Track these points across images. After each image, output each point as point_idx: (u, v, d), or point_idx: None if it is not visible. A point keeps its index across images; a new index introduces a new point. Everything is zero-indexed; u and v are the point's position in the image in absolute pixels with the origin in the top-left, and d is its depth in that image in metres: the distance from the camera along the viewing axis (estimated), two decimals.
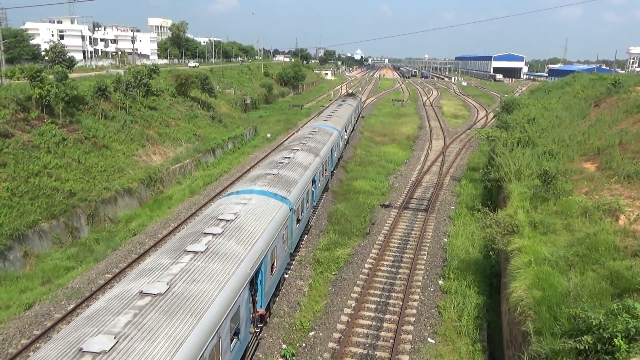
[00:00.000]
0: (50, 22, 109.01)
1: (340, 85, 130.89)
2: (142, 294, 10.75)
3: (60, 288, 20.06)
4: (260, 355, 15.95)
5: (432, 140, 54.28)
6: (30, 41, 76.20)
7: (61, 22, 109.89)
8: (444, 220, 28.47)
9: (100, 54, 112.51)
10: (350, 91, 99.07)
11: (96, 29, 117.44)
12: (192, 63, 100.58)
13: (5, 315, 17.87)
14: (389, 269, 22.06)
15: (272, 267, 16.74)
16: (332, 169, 34.73)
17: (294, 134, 51.18)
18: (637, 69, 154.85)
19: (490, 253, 20.32)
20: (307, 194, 23.69)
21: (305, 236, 25.37)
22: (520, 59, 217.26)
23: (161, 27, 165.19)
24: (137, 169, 33.19)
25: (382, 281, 20.87)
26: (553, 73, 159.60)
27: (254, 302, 15.31)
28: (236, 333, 12.92)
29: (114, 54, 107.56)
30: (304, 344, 16.61)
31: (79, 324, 9.89)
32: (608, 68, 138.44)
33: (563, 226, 17.20)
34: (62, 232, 24.58)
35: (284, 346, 16.44)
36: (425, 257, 23.29)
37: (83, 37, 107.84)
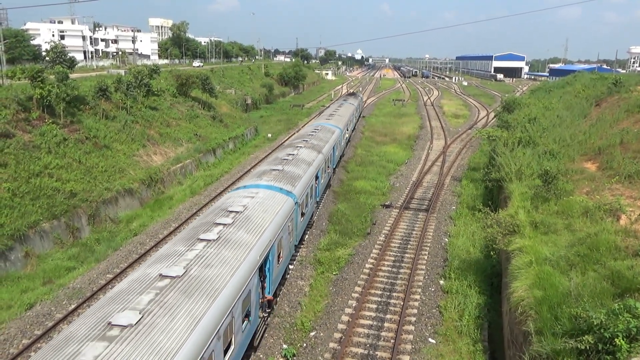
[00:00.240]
0: (51, 22, 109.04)
1: (340, 85, 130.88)
2: (162, 276, 11.70)
3: (61, 288, 20.07)
4: (261, 356, 15.96)
5: (433, 140, 54.26)
6: (31, 41, 76.19)
7: (62, 22, 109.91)
8: (445, 220, 28.47)
9: (101, 54, 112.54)
10: (351, 91, 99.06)
11: (97, 29, 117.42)
12: (196, 63, 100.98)
13: (6, 315, 17.90)
14: (389, 269, 22.06)
15: (278, 257, 17.65)
16: (334, 167, 35.34)
17: (294, 133, 51.21)
18: (638, 69, 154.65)
19: (491, 253, 20.31)
20: (311, 189, 24.49)
21: (309, 230, 25.87)
22: (521, 58, 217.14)
23: (162, 27, 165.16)
24: (138, 169, 33.21)
25: (383, 281, 20.87)
26: (554, 73, 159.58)
27: (263, 288, 16.14)
28: (247, 315, 13.90)
29: (115, 54, 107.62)
30: (304, 344, 16.61)
31: (105, 302, 10.77)
32: (609, 67, 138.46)
33: (564, 226, 17.19)
34: (63, 232, 24.60)
35: (285, 346, 16.44)
36: (426, 257, 23.28)
37: (84, 37, 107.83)
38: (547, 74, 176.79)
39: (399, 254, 23.60)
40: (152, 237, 25.54)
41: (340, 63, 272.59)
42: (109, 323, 9.62)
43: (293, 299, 19.44)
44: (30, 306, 18.64)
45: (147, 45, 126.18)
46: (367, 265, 22.29)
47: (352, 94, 72.47)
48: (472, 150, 48.51)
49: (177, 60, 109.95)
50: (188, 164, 38.73)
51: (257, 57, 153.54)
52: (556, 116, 36.07)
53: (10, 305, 18.60)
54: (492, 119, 67.08)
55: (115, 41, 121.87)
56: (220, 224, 15.44)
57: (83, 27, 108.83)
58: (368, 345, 16.44)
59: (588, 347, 9.89)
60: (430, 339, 16.89)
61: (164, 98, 47.00)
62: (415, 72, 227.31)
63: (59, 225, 24.45)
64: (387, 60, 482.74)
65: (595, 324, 9.97)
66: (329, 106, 64.54)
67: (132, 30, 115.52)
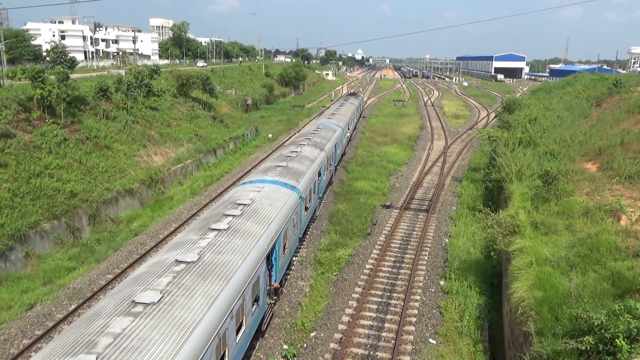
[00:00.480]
0: (51, 22, 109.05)
1: (341, 86, 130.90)
2: (178, 261, 12.66)
3: (61, 288, 20.08)
4: (262, 356, 15.96)
5: (434, 140, 54.26)
6: (31, 41, 76.23)
7: (62, 23, 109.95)
8: (445, 220, 28.46)
9: (101, 54, 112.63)
10: (351, 91, 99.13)
11: (97, 29, 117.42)
12: (200, 63, 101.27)
13: (6, 315, 17.90)
14: (390, 269, 22.06)
15: (284, 247, 18.58)
16: (335, 165, 36.10)
17: (295, 134, 51.27)
18: (639, 69, 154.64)
19: (492, 253, 20.33)
20: (314, 185, 25.37)
21: (312, 224, 26.58)
22: (522, 59, 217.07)
23: (162, 27, 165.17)
24: (139, 170, 33.22)
25: (383, 282, 20.86)
26: (554, 73, 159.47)
27: (270, 276, 16.98)
28: (256, 300, 14.84)
29: (115, 54, 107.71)
30: (305, 345, 16.61)
31: (127, 284, 11.81)
32: (609, 68, 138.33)
33: (564, 227, 17.18)
34: (64, 232, 24.61)
35: (285, 347, 16.44)
36: (426, 258, 23.28)
37: (84, 38, 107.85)
38: (548, 75, 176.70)
39: (399, 255, 23.60)
40: (152, 237, 25.54)
41: (340, 63, 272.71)
42: (133, 301, 10.53)
43: (293, 300, 19.44)
44: (30, 306, 18.64)
45: (148, 45, 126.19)
46: (368, 266, 22.29)
47: (353, 94, 73.26)
48: (473, 151, 48.51)
49: (177, 61, 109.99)
50: (188, 164, 38.74)
51: (257, 57, 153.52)
52: (556, 117, 36.06)
53: (10, 305, 18.60)
54: (493, 119, 67.10)
55: (116, 41, 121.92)
56: (229, 215, 16.37)
57: (84, 27, 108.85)
58: (368, 346, 16.43)
59: (589, 348, 9.88)
60: (430, 340, 16.88)
61: (165, 98, 47.03)
62: (416, 72, 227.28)
63: (59, 226, 24.46)
64: (387, 60, 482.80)
65: (595, 324, 9.96)
66: (329, 106, 64.70)
67: (132, 31, 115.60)
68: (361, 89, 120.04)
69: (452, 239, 25.09)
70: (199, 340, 10.11)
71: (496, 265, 20.89)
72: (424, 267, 22.27)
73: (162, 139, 39.65)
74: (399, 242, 25.20)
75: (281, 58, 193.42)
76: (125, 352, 8.87)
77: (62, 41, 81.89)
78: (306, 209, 23.30)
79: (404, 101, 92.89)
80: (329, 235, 25.73)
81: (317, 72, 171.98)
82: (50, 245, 23.64)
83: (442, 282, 20.81)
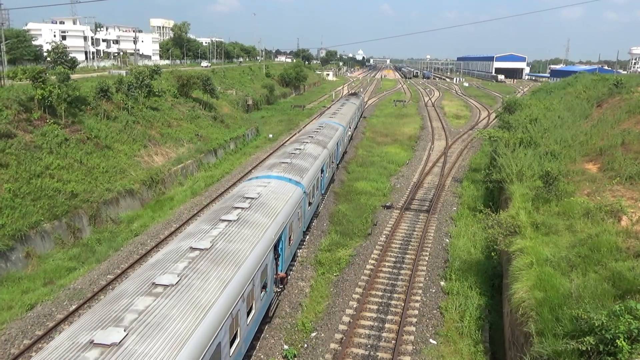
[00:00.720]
0: (52, 22, 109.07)
1: (341, 86, 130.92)
2: (192, 248, 13.56)
3: (62, 289, 20.09)
4: (262, 356, 15.96)
5: (434, 140, 54.24)
6: (32, 42, 76.29)
7: (63, 23, 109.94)
8: (446, 221, 28.45)
9: (102, 54, 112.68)
10: (352, 91, 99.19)
11: (98, 29, 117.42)
12: (204, 63, 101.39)
13: (7, 315, 17.91)
14: (390, 269, 22.05)
15: (290, 239, 19.54)
16: (337, 162, 36.93)
17: (295, 134, 51.31)
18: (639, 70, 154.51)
19: (492, 254, 20.30)
20: (317, 181, 26.21)
21: (315, 219, 27.31)
22: (522, 59, 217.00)
23: (163, 27, 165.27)
24: (139, 170, 33.24)
25: (383, 282, 20.86)
26: (555, 73, 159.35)
27: (277, 265, 17.95)
28: (264, 286, 15.74)
29: (116, 54, 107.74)
30: (305, 345, 16.61)
31: (146, 268, 12.74)
32: (610, 68, 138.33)
33: (565, 227, 17.17)
34: (64, 232, 24.62)
35: (286, 347, 16.44)
36: (426, 258, 23.27)
37: (85, 38, 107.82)
38: (548, 75, 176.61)
39: (399, 255, 23.59)
40: (153, 237, 25.55)
41: (341, 64, 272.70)
42: (153, 283, 11.44)
43: (294, 300, 19.43)
44: (31, 307, 18.65)
45: (149, 45, 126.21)
46: (368, 266, 22.28)
47: (354, 94, 74.33)
48: (473, 151, 48.49)
49: (178, 61, 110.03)
50: (189, 164, 38.75)
51: (258, 57, 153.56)
52: (557, 117, 36.03)
53: (11, 305, 18.61)
54: (493, 119, 67.06)
55: (117, 42, 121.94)
56: (238, 207, 17.30)
57: (84, 28, 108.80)
58: (369, 346, 16.43)
59: (589, 348, 9.88)
60: (431, 340, 16.88)
61: (165, 99, 47.07)
62: (416, 73, 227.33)
63: (60, 226, 24.47)
64: (388, 60, 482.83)
65: (596, 325, 9.96)
66: (330, 107, 64.93)
67: (133, 31, 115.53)
68: (362, 90, 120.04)
69: (453, 239, 25.08)
70: (214, 318, 11.02)
71: (497, 265, 20.88)
72: (424, 268, 22.25)
73: (162, 139, 39.67)
74: (400, 242, 25.19)
75: (282, 58, 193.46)
76: (149, 326, 9.77)
77: (63, 41, 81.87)
78: (310, 203, 24.11)
79: (405, 101, 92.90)
80: (330, 235, 25.73)
81: (318, 72, 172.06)
82: (50, 246, 23.66)
83: (442, 283, 20.80)
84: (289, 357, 15.82)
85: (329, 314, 18.51)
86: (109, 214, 27.87)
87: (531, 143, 29.57)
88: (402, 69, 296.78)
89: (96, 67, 71.98)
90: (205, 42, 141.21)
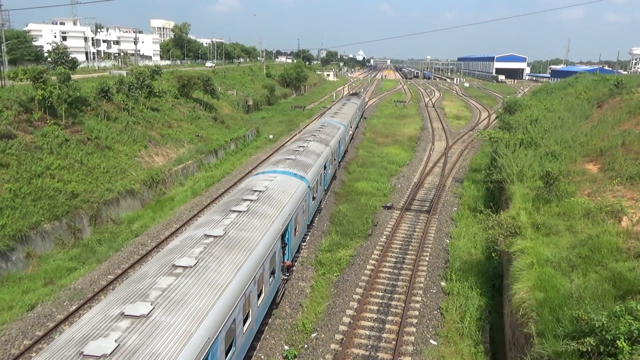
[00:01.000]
0: (53, 23, 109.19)
1: (342, 87, 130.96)
2: (206, 236, 14.61)
3: (62, 289, 20.09)
4: (263, 357, 15.96)
5: (435, 141, 54.24)
6: (33, 42, 76.35)
7: (64, 24, 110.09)
8: (446, 221, 28.44)
9: (102, 55, 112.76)
10: (353, 91, 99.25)
11: (99, 30, 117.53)
12: (208, 64, 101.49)
13: (7, 316, 17.92)
14: (391, 270, 22.04)
15: (295, 230, 20.51)
16: (339, 160, 37.79)
17: (296, 134, 51.34)
18: None
19: (493, 254, 20.29)
20: (320, 177, 27.21)
21: (318, 214, 28.15)
22: (523, 59, 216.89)
23: (163, 28, 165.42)
24: (140, 170, 33.24)
25: (384, 282, 20.85)
26: (555, 74, 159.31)
27: (283, 254, 18.88)
28: (272, 272, 16.66)
29: (117, 55, 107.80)
30: (306, 345, 16.60)
31: (165, 253, 13.82)
32: (611, 69, 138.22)
33: (565, 228, 17.16)
34: (65, 233, 24.63)
35: (286, 347, 16.43)
36: (427, 259, 23.26)
37: (85, 39, 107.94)
38: (549, 75, 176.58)
39: (400, 256, 23.58)
40: (153, 238, 25.55)
41: (341, 64, 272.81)
42: (173, 265, 12.46)
43: (294, 301, 19.43)
44: (31, 307, 18.65)
45: (149, 46, 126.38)
46: (369, 267, 22.27)
47: (355, 94, 75.45)
48: (474, 152, 48.48)
49: (178, 61, 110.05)
50: (189, 165, 38.76)
51: (258, 58, 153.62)
52: (558, 118, 36.02)
53: (11, 306, 18.62)
54: (494, 120, 67.01)
55: (117, 42, 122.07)
56: (247, 199, 18.36)
57: (85, 29, 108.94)
58: (369, 347, 16.42)
59: (590, 349, 9.86)
60: (431, 341, 16.87)
61: (166, 99, 47.08)
62: (417, 73, 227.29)
63: (60, 226, 24.48)
64: (388, 61, 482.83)
65: (596, 326, 9.94)
66: (330, 107, 65.09)
67: (133, 32, 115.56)
68: (362, 90, 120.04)
69: (453, 239, 25.07)
70: (229, 297, 11.99)
71: (497, 266, 20.87)
72: (424, 268, 22.24)
73: (163, 140, 39.69)
74: (400, 243, 25.19)
75: (282, 59, 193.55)
76: (172, 302, 10.78)
77: (64, 42, 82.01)
78: (313, 198, 25.07)
79: (405, 102, 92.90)
80: (330, 236, 25.73)
81: (318, 73, 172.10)
82: (51, 246, 23.66)
83: (443, 283, 20.79)
84: (289, 358, 15.81)
85: (329, 314, 18.51)
86: (109, 214, 27.87)
87: (531, 144, 29.55)
88: (403, 69, 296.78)
89: (97, 68, 72.05)
90: (206, 43, 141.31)
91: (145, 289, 11.20)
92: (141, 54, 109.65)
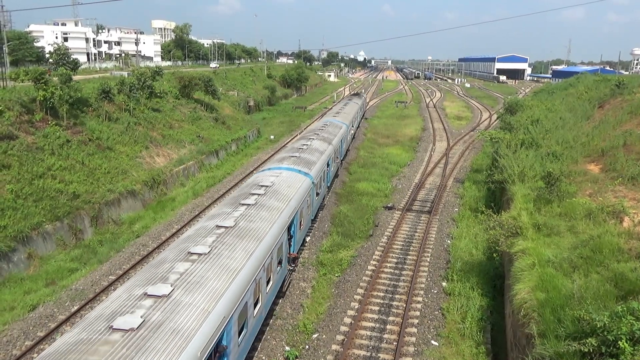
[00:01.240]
0: (54, 24, 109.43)
1: (343, 87, 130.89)
2: (218, 226, 15.45)
3: (64, 290, 20.11)
4: (264, 357, 15.96)
5: (436, 141, 54.22)
6: (34, 43, 76.50)
7: (65, 25, 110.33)
8: (447, 222, 28.42)
9: (104, 56, 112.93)
10: (354, 92, 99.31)
11: (100, 31, 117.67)
12: (213, 64, 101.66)
13: (9, 316, 17.94)
14: (392, 270, 22.03)
15: (300, 223, 21.29)
16: (341, 159, 38.37)
17: (297, 135, 51.35)
18: None
19: (494, 255, 20.24)
20: (324, 174, 27.92)
21: (321, 211, 28.73)
22: (524, 60, 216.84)
23: (164, 29, 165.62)
24: (141, 171, 33.27)
25: (385, 283, 20.84)
26: (556, 74, 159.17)
27: (289, 246, 19.67)
28: (280, 262, 17.53)
29: (118, 56, 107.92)
30: (307, 346, 16.60)
31: (180, 242, 14.70)
32: (612, 69, 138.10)
33: (567, 228, 17.13)
34: (66, 234, 24.65)
35: (287, 348, 16.43)
36: (428, 259, 23.24)
37: (87, 40, 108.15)
38: (550, 76, 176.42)
39: (401, 256, 23.57)
40: (154, 238, 25.56)
41: (342, 65, 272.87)
42: (189, 252, 13.33)
43: (295, 301, 19.43)
44: (33, 307, 18.67)
45: (150, 47, 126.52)
46: (370, 267, 22.26)
47: (356, 94, 76.61)
48: (475, 152, 48.45)
49: (179, 62, 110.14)
50: (190, 165, 38.78)
51: (260, 58, 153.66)
52: (559, 118, 35.98)
53: (13, 306, 18.64)
54: (495, 120, 66.97)
55: (118, 43, 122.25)
56: (255, 194, 19.21)
57: (86, 29, 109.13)
58: (370, 348, 16.41)
59: (591, 350, 9.84)
60: (432, 341, 16.85)
61: (167, 100, 47.12)
62: (418, 74, 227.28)
63: (61, 227, 24.50)
64: (389, 62, 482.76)
65: (598, 326, 9.92)
66: (331, 107, 65.24)
67: (135, 32, 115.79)
68: (363, 90, 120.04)
69: (454, 240, 25.05)
70: (242, 281, 12.85)
71: (498, 266, 20.85)
72: (426, 269, 22.23)
73: (164, 141, 39.72)
74: (401, 243, 25.18)
75: (283, 60, 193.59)
76: (190, 284, 11.63)
77: (65, 43, 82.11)
78: (317, 194, 25.74)
79: (406, 102, 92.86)
80: (331, 236, 25.72)
81: (319, 73, 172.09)
82: (52, 247, 23.69)
83: (444, 284, 20.77)
84: (290, 359, 15.81)
85: (330, 315, 18.50)
86: (110, 215, 27.90)
87: (533, 144, 29.52)
88: (404, 70, 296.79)
89: (98, 69, 72.11)
90: (207, 44, 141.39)
91: (165, 273, 12.07)
92: (142, 54, 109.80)
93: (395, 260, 23.14)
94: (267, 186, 20.30)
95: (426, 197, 33.32)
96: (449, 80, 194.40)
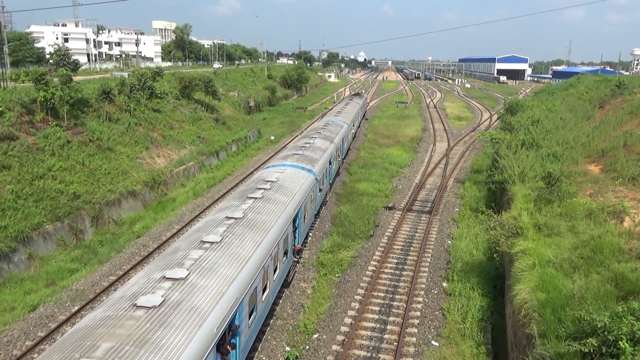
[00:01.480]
0: (54, 25, 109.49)
1: (343, 88, 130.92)
2: (228, 217, 16.37)
3: (64, 290, 20.11)
4: (264, 358, 15.96)
5: (436, 142, 54.21)
6: (34, 44, 76.55)
7: (65, 25, 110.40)
8: (448, 222, 28.41)
9: (104, 56, 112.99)
10: (355, 92, 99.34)
11: (100, 32, 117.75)
12: (216, 64, 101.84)
13: (9, 317, 17.95)
14: (392, 271, 22.03)
15: (304, 217, 22.21)
16: (343, 157, 39.12)
17: (297, 136, 51.36)
18: None
19: (494, 255, 20.23)
20: (326, 171, 28.76)
21: (323, 207, 29.51)
22: (524, 60, 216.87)
23: (165, 29, 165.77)
24: (141, 171, 33.29)
25: (385, 283, 20.83)
26: (557, 75, 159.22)
27: (294, 238, 20.60)
28: (285, 252, 18.34)
29: (118, 56, 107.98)
30: (307, 347, 16.59)
31: (193, 232, 15.63)
32: (612, 69, 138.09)
33: (567, 228, 17.12)
34: (67, 234, 24.66)
35: (288, 349, 16.42)
36: (428, 260, 23.24)
37: (87, 40, 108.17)
38: (550, 76, 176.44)
39: (401, 256, 23.56)
40: (155, 239, 25.57)
41: (343, 65, 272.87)
42: (202, 240, 14.23)
43: (296, 302, 19.43)
44: (33, 308, 18.68)
45: (151, 47, 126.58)
46: (370, 268, 22.26)
47: (357, 94, 78.13)
48: (475, 153, 48.44)
49: (180, 63, 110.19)
50: (191, 166, 38.80)
51: (260, 59, 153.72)
52: (559, 118, 35.97)
53: (13, 307, 18.65)
54: (495, 121, 66.96)
55: (119, 44, 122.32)
56: (261, 188, 20.06)
57: (87, 30, 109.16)
58: (371, 348, 16.40)
59: (592, 350, 9.84)
60: (433, 342, 16.84)
61: (167, 101, 47.14)
62: (418, 74, 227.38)
63: (62, 227, 24.51)
64: (390, 62, 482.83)
65: (599, 326, 9.91)
66: (332, 108, 65.59)
67: (135, 33, 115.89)
68: (364, 91, 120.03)
69: (455, 240, 25.04)
70: (251, 267, 13.73)
71: (499, 267, 20.84)
72: (426, 269, 22.22)
73: (164, 141, 39.74)
74: (402, 243, 25.17)
75: (283, 60, 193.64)
76: (204, 269, 12.55)
77: (65, 44, 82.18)
78: (320, 190, 26.68)
79: (407, 103, 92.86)
80: (332, 237, 25.72)
81: (320, 74, 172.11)
82: (53, 247, 23.70)
83: (444, 284, 20.76)
84: (290, 359, 15.81)
85: (330, 315, 18.50)
86: (111, 215, 27.91)
87: (533, 144, 29.50)
88: (404, 70, 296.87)
89: (98, 69, 72.15)
90: (207, 44, 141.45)
91: (180, 259, 12.97)
92: (143, 55, 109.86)
93: (395, 260, 23.13)
94: (272, 181, 21.11)
95: (427, 197, 33.31)
96: (449, 81, 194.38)
